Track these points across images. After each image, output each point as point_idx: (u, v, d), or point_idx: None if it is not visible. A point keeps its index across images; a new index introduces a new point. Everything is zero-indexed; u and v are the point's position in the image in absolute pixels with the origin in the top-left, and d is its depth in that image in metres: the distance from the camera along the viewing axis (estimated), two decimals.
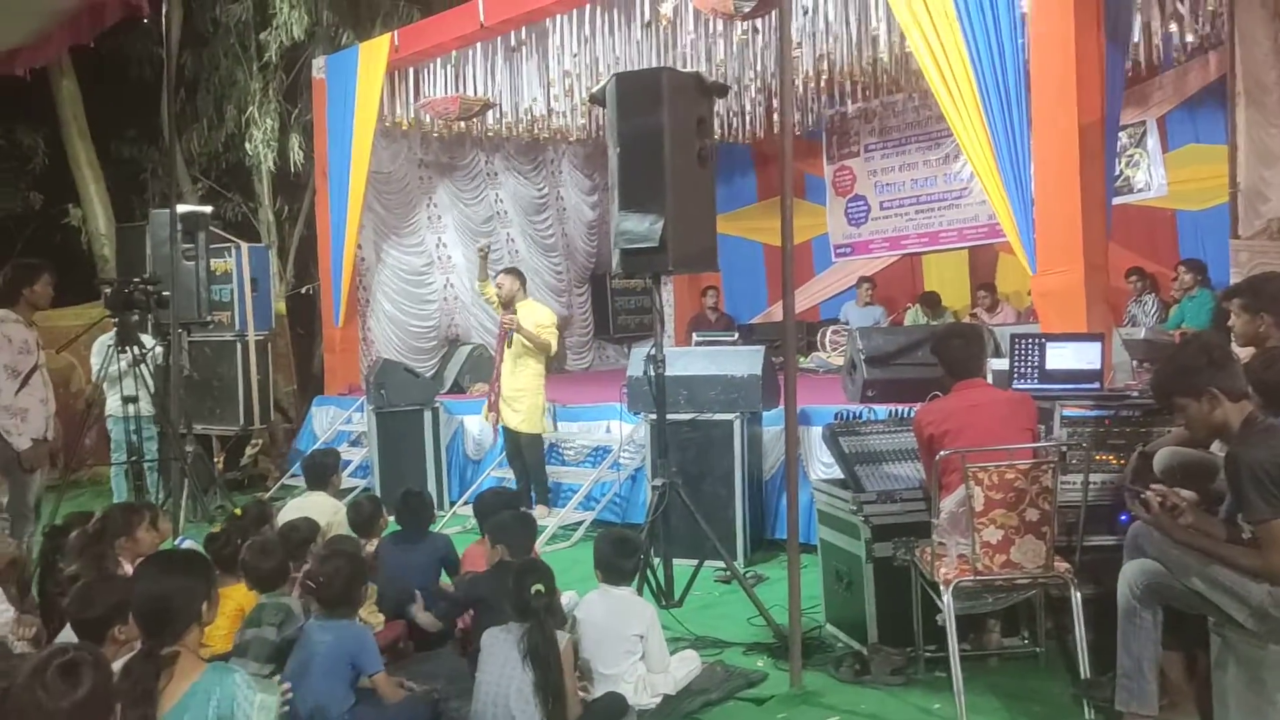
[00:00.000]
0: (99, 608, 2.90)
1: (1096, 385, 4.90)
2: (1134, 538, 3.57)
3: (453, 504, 8.09)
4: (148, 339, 7.65)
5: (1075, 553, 4.01)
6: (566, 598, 4.15)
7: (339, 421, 9.74)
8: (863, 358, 6.91)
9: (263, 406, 9.70)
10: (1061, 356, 4.97)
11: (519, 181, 12.07)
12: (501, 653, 3.52)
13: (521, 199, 12.08)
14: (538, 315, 7.40)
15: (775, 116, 10.25)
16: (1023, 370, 4.95)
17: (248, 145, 12.31)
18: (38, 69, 6.84)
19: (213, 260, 8.84)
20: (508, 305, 7.39)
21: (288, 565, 4.11)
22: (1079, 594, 3.84)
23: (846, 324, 10.74)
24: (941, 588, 3.89)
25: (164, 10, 6.09)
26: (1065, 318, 5.83)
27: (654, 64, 8.41)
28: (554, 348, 7.34)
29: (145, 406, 7.12)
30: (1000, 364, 5.45)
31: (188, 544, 5.36)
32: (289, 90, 12.57)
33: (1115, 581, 3.50)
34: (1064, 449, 4.24)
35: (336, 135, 10.14)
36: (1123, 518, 4.04)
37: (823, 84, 9.92)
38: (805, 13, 8.07)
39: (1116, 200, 8.70)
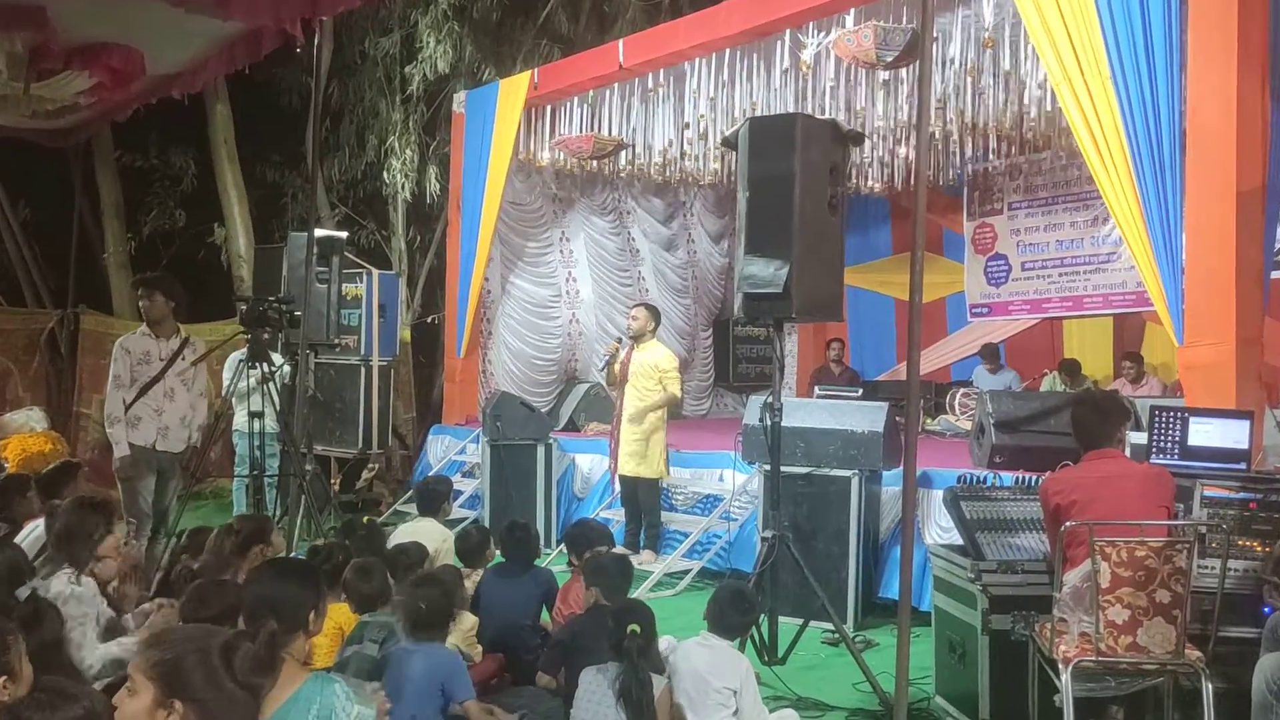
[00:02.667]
0: (212, 609, 3.05)
1: (1243, 466, 4.70)
2: (1273, 629, 3.42)
3: (559, 541, 8.19)
4: (277, 357, 7.99)
5: (1209, 641, 3.84)
6: (664, 643, 4.16)
7: (454, 451, 9.98)
8: (992, 422, 6.78)
9: (381, 432, 9.98)
10: (1205, 433, 4.79)
11: (652, 221, 12.28)
12: (597, 692, 3.55)
13: (654, 238, 12.29)
14: (659, 357, 7.48)
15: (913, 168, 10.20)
16: (1162, 445, 4.79)
17: (385, 175, 12.83)
18: (194, 93, 7.30)
19: (344, 285, 9.18)
20: (637, 339, 7.52)
21: (389, 587, 4.22)
22: (1211, 685, 3.68)
23: (978, 388, 10.53)
24: (1061, 666, 3.77)
25: (316, 41, 6.42)
26: (1213, 393, 5.62)
27: (791, 110, 8.48)
28: (678, 395, 7.40)
29: (270, 423, 7.42)
30: (1139, 437, 5.27)
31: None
32: (429, 123, 13.06)
33: (1251, 675, 3.35)
34: (1202, 530, 4.08)
35: (472, 168, 10.49)
36: (1266, 609, 3.86)
37: (966, 138, 9.83)
38: (951, 64, 8.04)
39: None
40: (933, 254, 11.87)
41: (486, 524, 8.02)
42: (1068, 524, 3.86)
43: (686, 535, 7.45)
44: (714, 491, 7.73)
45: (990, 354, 11.08)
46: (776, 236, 4.83)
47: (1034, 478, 5.17)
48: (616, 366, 7.67)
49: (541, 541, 7.44)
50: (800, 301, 4.87)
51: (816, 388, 10.76)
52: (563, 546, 7.89)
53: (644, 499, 7.55)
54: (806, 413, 6.62)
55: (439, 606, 3.76)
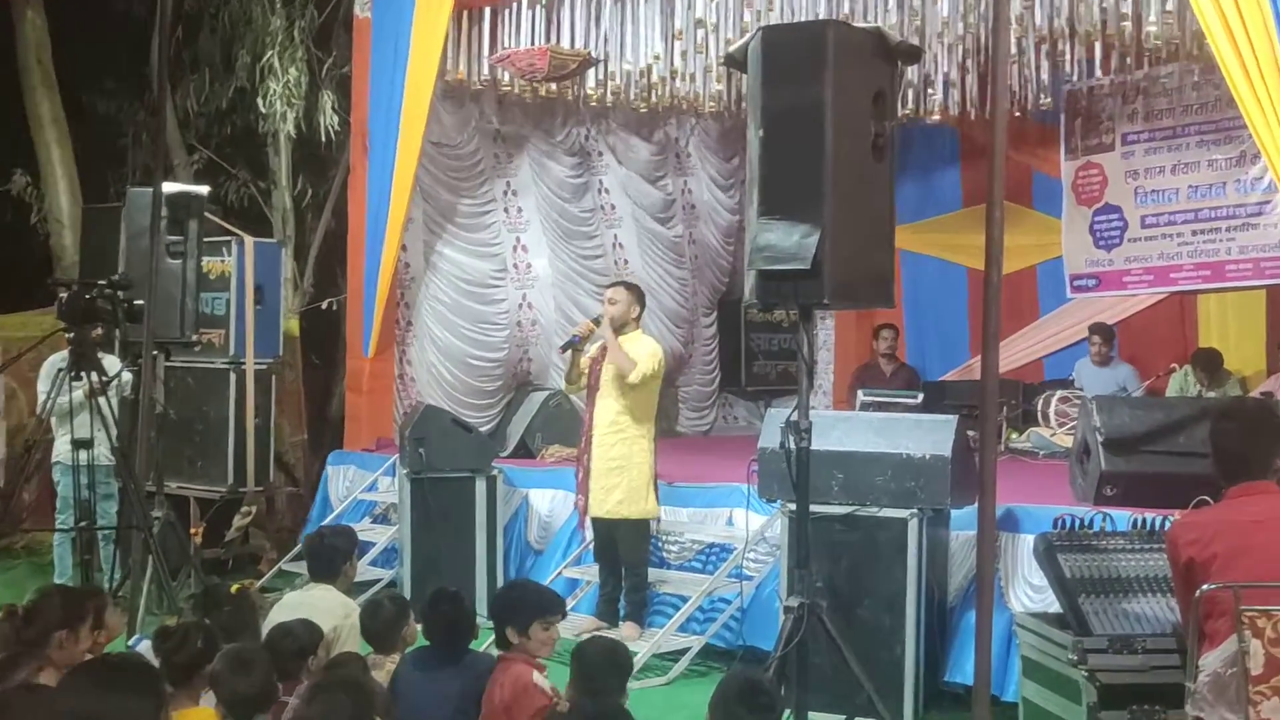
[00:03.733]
0: None
1: None
2: None
3: None
4: (112, 362, 7.93)
5: None
6: None
7: (361, 488, 9.96)
8: (1100, 439, 6.80)
9: (260, 462, 9.94)
10: None
11: (632, 166, 12.27)
12: None
13: (636, 190, 12.28)
14: (639, 348, 7.47)
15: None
16: None
17: (261, 104, 12.74)
18: None
19: (205, 259, 9.12)
20: (615, 331, 7.47)
21: (274, 686, 4.19)
22: None
23: (1081, 389, 10.56)
24: None
25: None
26: None
27: (820, 14, 8.47)
28: (641, 373, 7.35)
29: (103, 454, 7.38)
30: None
31: (143, 646, 5.53)
32: (320, 33, 12.98)
33: None
34: None
35: (382, 95, 10.44)
36: None
37: (1062, 47, 9.83)
38: None
39: None
40: (1019, 206, 11.85)
41: (406, 592, 8.01)
42: (1205, 586, 3.87)
43: (683, 601, 7.45)
44: (720, 539, 7.74)
45: (1104, 335, 11.04)
46: (801, 191, 4.82)
47: (1159, 519, 5.17)
48: (584, 361, 7.63)
49: (482, 615, 7.46)
50: (836, 280, 4.87)
51: (860, 393, 10.75)
52: None
53: (626, 550, 7.54)
54: (846, 430, 6.64)
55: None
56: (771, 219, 4.87)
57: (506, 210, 11.52)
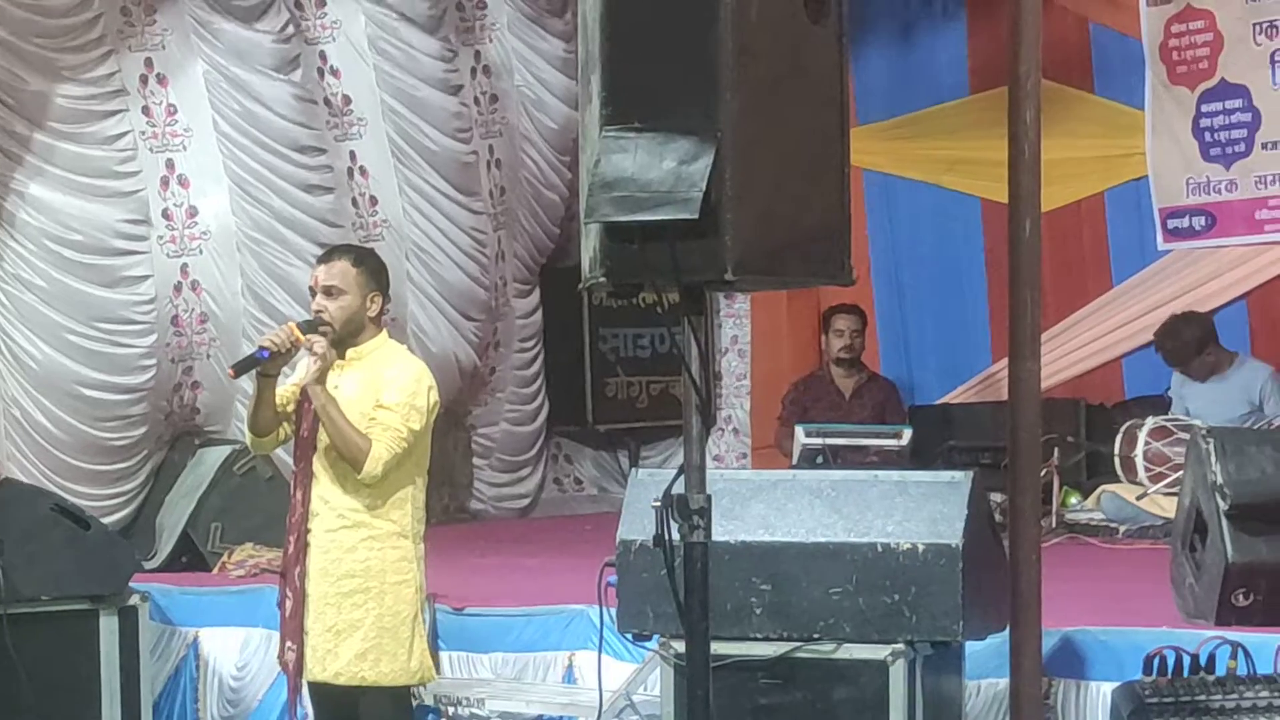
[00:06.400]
0: None
1: None
2: None
3: None
4: None
5: None
6: None
7: None
8: (1224, 505, 6.93)
9: None
10: None
11: (383, 23, 12.42)
12: None
13: (389, 69, 12.45)
14: (387, 376, 7.36)
15: None
16: None
17: None
18: None
19: None
20: (339, 340, 7.29)
21: None
22: None
23: (1186, 414, 10.80)
24: None
25: None
26: None
27: None
28: (382, 461, 7.18)
29: None
30: None
31: None
32: None
33: None
34: None
35: None
36: None
37: None
38: None
39: None
40: (1070, 89, 12.12)
41: None
42: None
43: None
44: (553, 710, 7.80)
45: (1194, 337, 11.07)
46: (678, 79, 4.85)
47: None
48: (285, 393, 7.45)
49: None
50: (746, 238, 4.88)
51: (800, 431, 10.84)
52: None
53: None
54: (775, 503, 6.67)
55: None
56: (625, 130, 4.87)
57: (148, 110, 11.53)
